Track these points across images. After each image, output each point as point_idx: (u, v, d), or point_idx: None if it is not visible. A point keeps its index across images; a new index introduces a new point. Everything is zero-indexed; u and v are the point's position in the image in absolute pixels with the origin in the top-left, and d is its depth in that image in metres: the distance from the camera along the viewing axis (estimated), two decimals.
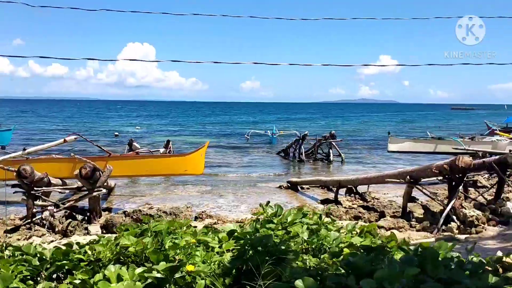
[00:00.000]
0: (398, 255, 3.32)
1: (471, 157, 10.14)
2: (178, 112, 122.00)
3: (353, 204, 14.09)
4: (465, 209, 10.23)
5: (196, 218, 12.03)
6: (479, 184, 15.58)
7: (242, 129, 52.85)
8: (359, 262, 2.82)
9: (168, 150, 23.50)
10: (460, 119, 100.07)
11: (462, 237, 9.54)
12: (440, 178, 10.66)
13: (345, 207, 13.22)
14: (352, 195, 15.17)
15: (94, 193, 11.08)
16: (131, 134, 45.26)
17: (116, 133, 41.41)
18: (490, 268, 3.22)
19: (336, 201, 14.11)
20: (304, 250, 3.85)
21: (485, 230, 9.84)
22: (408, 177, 11.28)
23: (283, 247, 3.25)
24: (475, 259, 3.27)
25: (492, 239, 9.15)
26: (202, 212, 12.50)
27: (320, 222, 4.46)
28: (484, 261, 3.23)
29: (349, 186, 14.41)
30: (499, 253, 3.78)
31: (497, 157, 11.12)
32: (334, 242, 3.75)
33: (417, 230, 10.24)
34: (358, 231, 4.32)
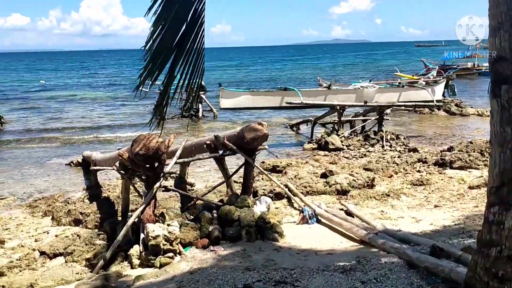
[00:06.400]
0: None
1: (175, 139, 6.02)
2: (120, 61, 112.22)
3: None
4: (160, 221, 6.23)
5: None
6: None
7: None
8: None
9: None
10: (418, 56, 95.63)
11: (130, 277, 5.61)
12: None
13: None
14: None
15: None
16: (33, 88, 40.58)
17: None
18: None
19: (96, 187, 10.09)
20: None
21: (182, 258, 5.91)
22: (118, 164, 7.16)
23: None
24: None
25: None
26: None
27: None
28: None
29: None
30: None
31: (232, 131, 7.09)
32: None
33: (86, 260, 6.28)
34: None
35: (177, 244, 5.93)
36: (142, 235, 6.04)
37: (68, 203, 9.17)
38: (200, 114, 21.19)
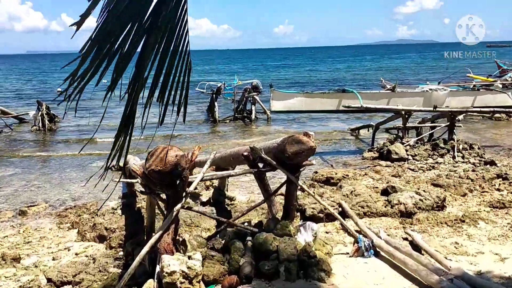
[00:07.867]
0: None
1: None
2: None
3: None
4: (181, 250, 5.16)
5: None
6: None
7: (220, 79, 47.29)
8: None
9: (40, 113, 18.91)
10: (490, 56, 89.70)
11: None
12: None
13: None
14: None
15: None
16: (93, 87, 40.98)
17: (59, 89, 37.07)
18: None
19: (131, 196, 9.26)
20: None
21: None
22: None
23: None
24: None
25: None
26: None
27: None
28: None
29: None
30: None
31: (272, 142, 5.87)
32: None
33: None
34: None
35: (197, 282, 4.83)
36: (158, 268, 4.99)
37: (97, 215, 8.41)
38: (253, 117, 20.15)
